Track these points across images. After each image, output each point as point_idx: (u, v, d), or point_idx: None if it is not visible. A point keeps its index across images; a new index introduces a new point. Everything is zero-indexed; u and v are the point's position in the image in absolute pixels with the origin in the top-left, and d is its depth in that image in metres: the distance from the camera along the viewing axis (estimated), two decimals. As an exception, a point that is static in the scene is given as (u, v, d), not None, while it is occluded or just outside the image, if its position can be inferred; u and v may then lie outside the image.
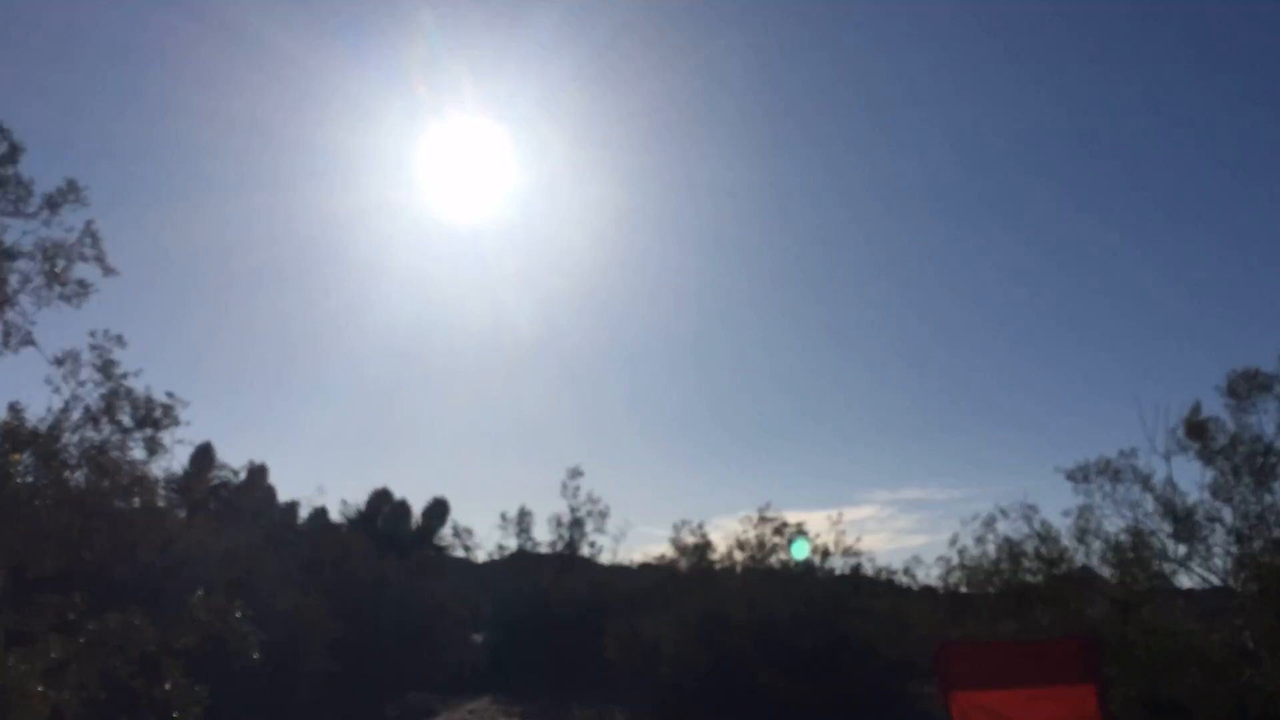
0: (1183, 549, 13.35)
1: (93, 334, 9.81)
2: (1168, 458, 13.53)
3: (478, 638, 26.13)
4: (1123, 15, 44.60)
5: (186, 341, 47.38)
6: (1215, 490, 13.11)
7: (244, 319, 51.57)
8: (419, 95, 37.24)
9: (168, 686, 9.25)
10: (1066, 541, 14.38)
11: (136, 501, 10.34)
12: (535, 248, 46.28)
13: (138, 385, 9.90)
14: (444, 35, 37.71)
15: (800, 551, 19.67)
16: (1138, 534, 13.56)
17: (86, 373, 9.79)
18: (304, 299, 52.25)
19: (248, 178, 45.01)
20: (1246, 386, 13.02)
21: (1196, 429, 13.19)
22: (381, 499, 31.36)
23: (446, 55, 37.68)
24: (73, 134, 44.23)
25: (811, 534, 21.68)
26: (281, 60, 39.19)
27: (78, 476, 9.78)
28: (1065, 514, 14.41)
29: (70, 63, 42.25)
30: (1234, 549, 12.98)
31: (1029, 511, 14.77)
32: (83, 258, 9.79)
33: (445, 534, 31.02)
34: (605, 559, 27.99)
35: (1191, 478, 13.55)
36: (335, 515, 28.74)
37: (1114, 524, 13.94)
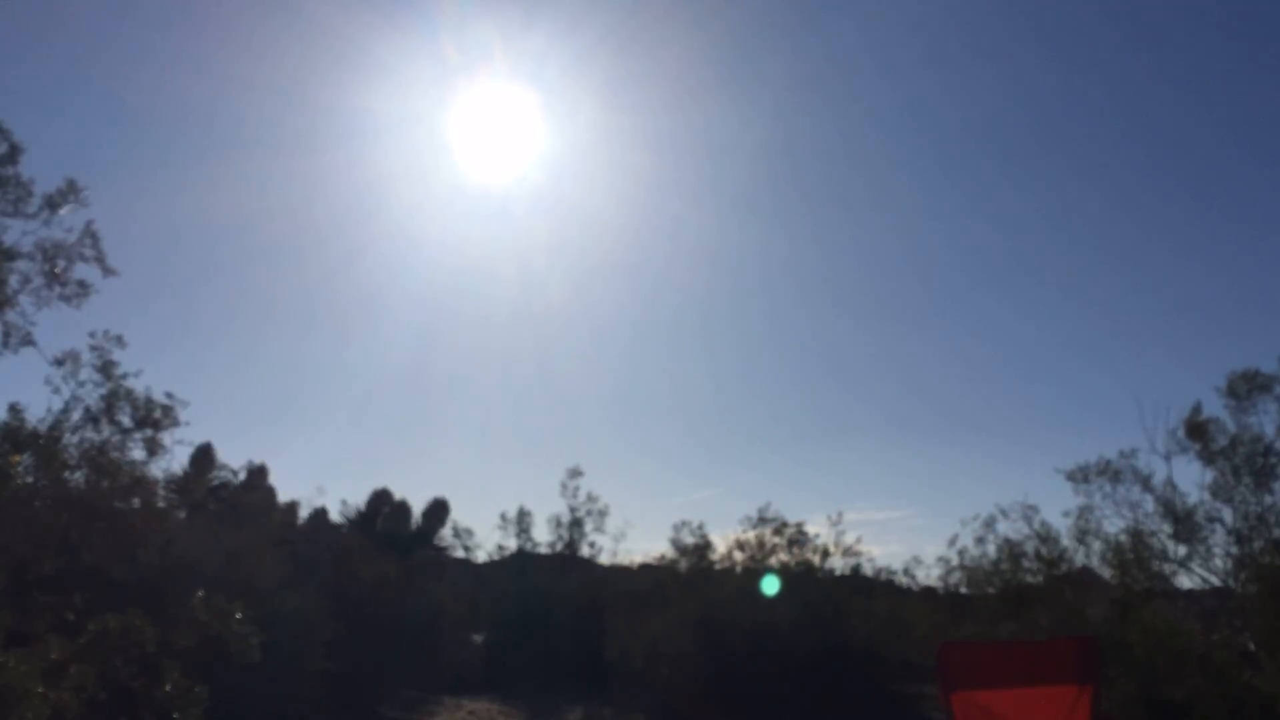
0: (1183, 549, 13.38)
1: (92, 334, 9.83)
2: (1168, 458, 13.56)
3: (478, 638, 26.12)
4: (1108, 32, 44.51)
5: (187, 341, 47.24)
6: (1215, 491, 13.14)
7: (247, 316, 51.34)
8: (449, 58, 36.91)
9: (168, 687, 9.25)
10: (1066, 542, 14.40)
11: (136, 502, 10.35)
12: (565, 213, 45.44)
13: (138, 386, 9.92)
14: (474, -2, 37.57)
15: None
16: (1138, 534, 13.57)
17: (86, 373, 9.81)
18: (314, 288, 51.76)
19: (271, 143, 44.45)
20: (1246, 387, 13.04)
21: (1196, 430, 13.20)
22: (381, 499, 31.35)
23: (476, 18, 37.37)
24: (93, 102, 44.14)
25: (811, 534, 21.73)
26: (311, 23, 38.99)
27: (77, 477, 9.79)
28: (1065, 514, 14.45)
29: (94, 26, 41.94)
30: (1234, 550, 12.99)
31: (1029, 512, 14.80)
32: (83, 258, 9.81)
33: (445, 534, 31.02)
34: (605, 559, 27.99)
35: (1191, 478, 13.58)
36: (335, 515, 28.74)
37: (1114, 524, 13.98)
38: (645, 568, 25.06)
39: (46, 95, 40.27)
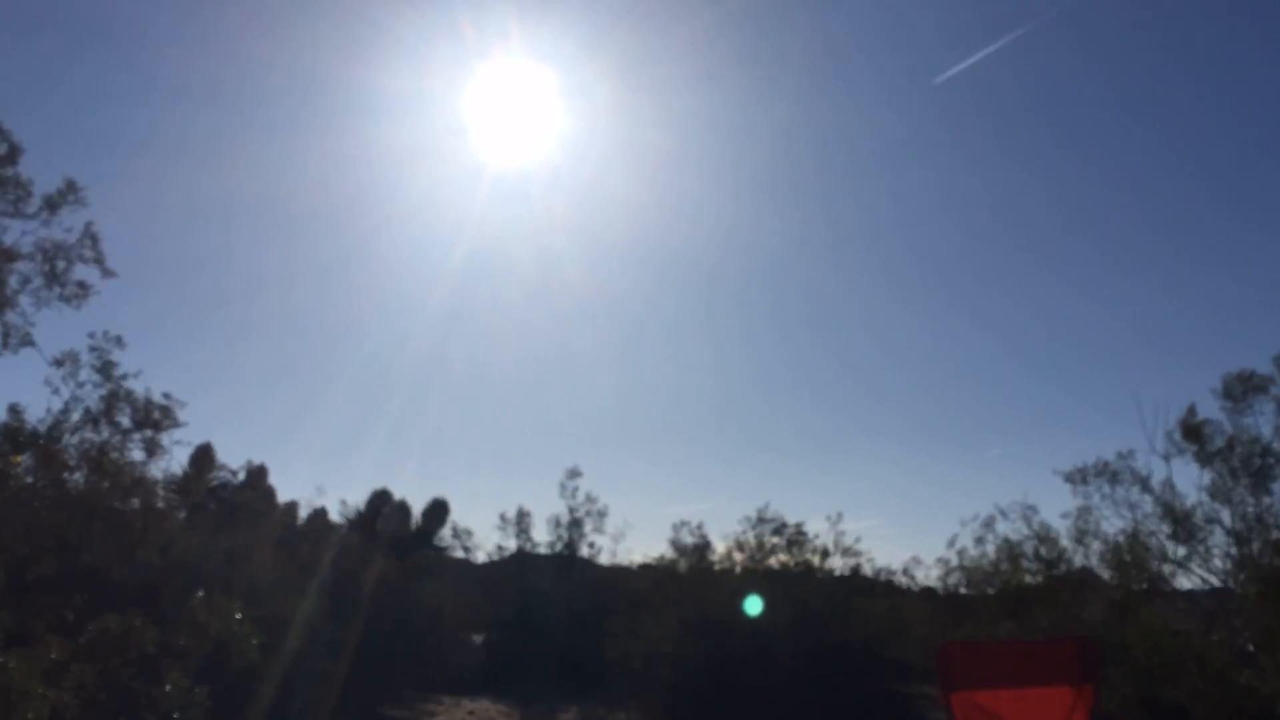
0: (1181, 550, 13.39)
1: (92, 335, 9.85)
2: (1166, 459, 13.57)
3: (478, 638, 26.13)
4: (1110, 26, 44.35)
5: (186, 340, 47.13)
6: (1213, 492, 13.14)
7: (248, 315, 51.09)
8: (466, 38, 36.65)
9: (167, 688, 9.26)
10: (1065, 542, 14.42)
11: (136, 503, 10.37)
12: (582, 194, 44.61)
13: (137, 386, 9.94)
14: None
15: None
16: (1136, 535, 13.58)
17: (86, 374, 9.84)
18: (316, 284, 51.09)
19: (281, 124, 43.79)
20: (1242, 388, 13.04)
21: (1192, 431, 13.21)
22: (381, 499, 31.34)
23: (494, -3, 37.22)
24: (90, 83, 43.82)
25: (810, 534, 21.74)
26: (327, 1, 38.70)
27: (77, 478, 9.81)
28: (1064, 515, 14.46)
29: (105, 4, 41.62)
30: (1233, 550, 13.00)
31: (1028, 512, 14.82)
32: (82, 259, 9.83)
33: (445, 534, 31.03)
34: (604, 560, 28.01)
35: (1190, 479, 13.60)
36: (335, 515, 28.72)
37: (1113, 525, 13.99)
38: (645, 568, 25.08)
39: (48, 80, 40.13)
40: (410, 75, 38.70)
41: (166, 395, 10.05)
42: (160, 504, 11.98)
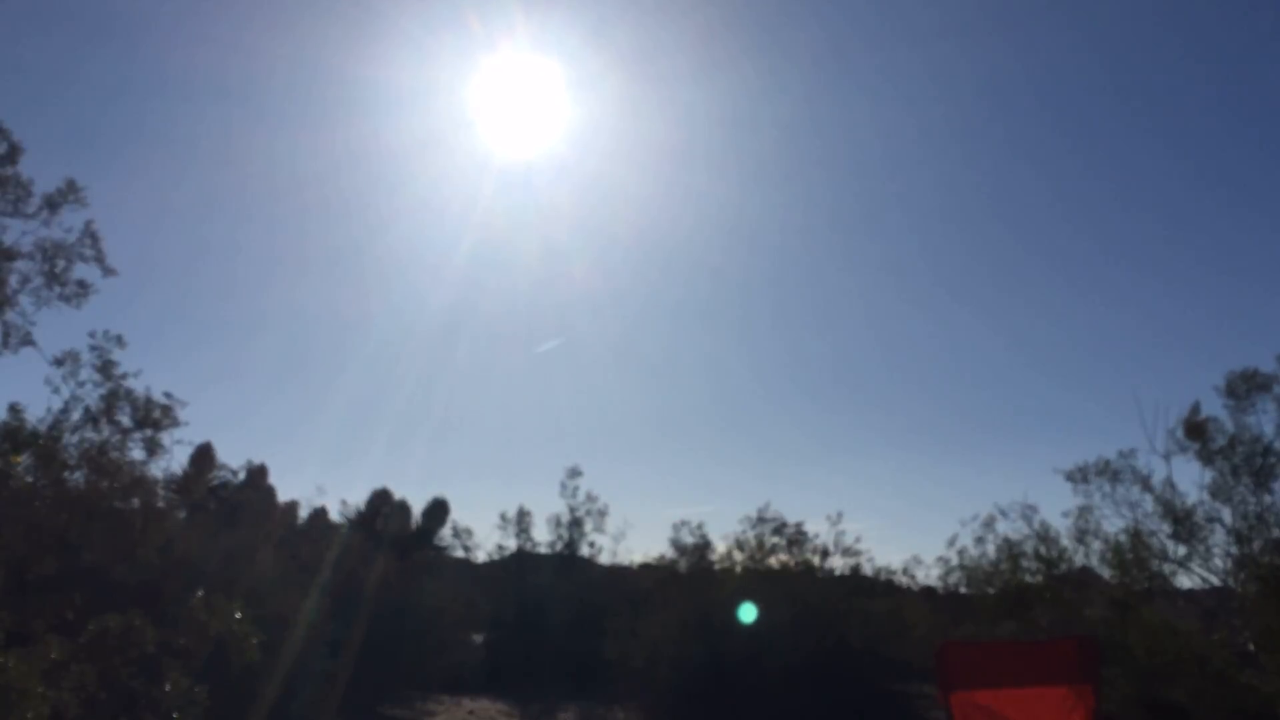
0: (1182, 549, 13.39)
1: (92, 334, 9.85)
2: (1167, 458, 13.57)
3: (478, 638, 26.14)
4: (1114, 23, 44.35)
5: (188, 339, 47.05)
6: (1215, 491, 13.14)
7: (249, 313, 50.91)
8: (472, 30, 36.64)
9: (167, 687, 9.26)
10: (1066, 542, 14.42)
11: (136, 502, 10.36)
12: (588, 187, 44.32)
13: (137, 386, 9.94)
14: (496, -32, 37.44)
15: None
16: (1137, 534, 13.58)
17: (86, 373, 9.84)
18: (317, 282, 50.81)
19: (285, 117, 43.45)
20: (1245, 387, 13.04)
21: (1195, 429, 13.21)
22: (381, 499, 31.33)
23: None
24: (107, 75, 43.66)
25: (811, 534, 21.75)
26: None
27: (77, 477, 9.80)
28: (1065, 515, 14.46)
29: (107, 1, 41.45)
30: (1233, 549, 13.00)
31: (1028, 511, 14.81)
32: (82, 258, 9.83)
33: (445, 534, 31.03)
34: (605, 559, 28.00)
35: (1191, 478, 13.60)
36: (335, 515, 28.72)
37: (1113, 524, 13.99)
38: (645, 568, 25.06)
39: (49, 78, 40.02)
40: (416, 68, 38.63)
41: (167, 394, 10.06)
42: (160, 504, 11.97)
